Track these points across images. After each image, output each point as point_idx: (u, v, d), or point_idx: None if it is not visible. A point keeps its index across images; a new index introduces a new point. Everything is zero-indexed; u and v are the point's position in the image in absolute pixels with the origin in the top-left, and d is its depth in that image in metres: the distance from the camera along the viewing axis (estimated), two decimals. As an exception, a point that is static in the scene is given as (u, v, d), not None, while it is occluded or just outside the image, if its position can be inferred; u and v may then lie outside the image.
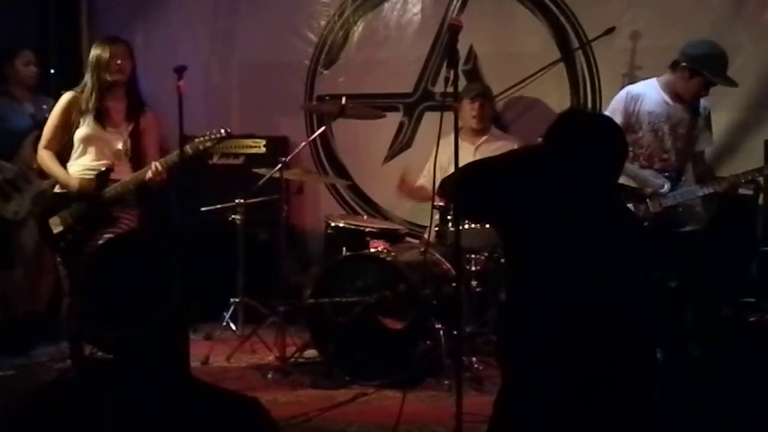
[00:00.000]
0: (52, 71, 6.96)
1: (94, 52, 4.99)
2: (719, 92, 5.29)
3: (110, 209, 4.96)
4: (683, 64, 4.99)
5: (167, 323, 1.98)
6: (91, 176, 4.97)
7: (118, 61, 4.94)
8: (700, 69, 4.93)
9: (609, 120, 3.51)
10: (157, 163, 4.86)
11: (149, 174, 4.86)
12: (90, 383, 2.00)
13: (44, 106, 6.01)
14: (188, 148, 4.89)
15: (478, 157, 5.92)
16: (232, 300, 6.11)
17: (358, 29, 6.88)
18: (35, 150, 5.65)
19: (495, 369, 5.10)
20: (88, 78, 5.00)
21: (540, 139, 5.30)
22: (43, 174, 5.49)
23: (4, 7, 6.88)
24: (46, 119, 5.30)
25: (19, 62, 6.14)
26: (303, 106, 6.76)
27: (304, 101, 6.89)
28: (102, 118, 4.97)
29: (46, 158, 5.05)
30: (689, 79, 4.99)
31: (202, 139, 4.92)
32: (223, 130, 4.94)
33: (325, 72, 6.96)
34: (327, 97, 6.68)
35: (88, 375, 2.06)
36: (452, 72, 4.14)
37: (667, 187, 5.05)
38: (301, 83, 6.97)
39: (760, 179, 5.17)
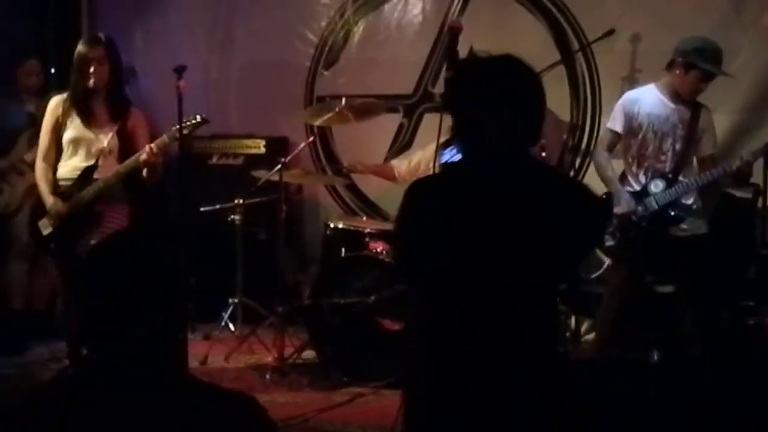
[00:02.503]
0: (52, 71, 6.96)
1: (76, 51, 4.96)
2: (719, 94, 5.30)
3: (94, 208, 4.94)
4: (678, 59, 5.00)
5: (162, 323, 1.98)
6: (70, 183, 4.97)
7: (91, 68, 4.88)
8: (694, 62, 4.94)
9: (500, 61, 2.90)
10: (152, 145, 4.84)
11: (143, 156, 4.83)
12: (87, 382, 2.00)
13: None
14: (166, 138, 4.88)
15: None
16: (230, 300, 6.11)
17: (359, 30, 6.89)
18: (30, 146, 5.68)
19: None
20: (71, 79, 5.00)
21: (539, 142, 5.37)
22: None
23: (4, 7, 6.90)
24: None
25: (22, 73, 6.20)
26: (303, 116, 6.68)
27: (304, 102, 6.89)
28: (87, 118, 4.96)
29: (38, 172, 5.05)
30: (685, 75, 5.00)
31: (178, 127, 4.89)
32: (199, 116, 4.92)
33: (325, 73, 6.96)
34: (327, 98, 6.68)
35: (86, 374, 2.06)
36: (452, 73, 4.15)
37: (657, 186, 5.06)
38: (302, 84, 6.97)
39: (759, 182, 5.16)
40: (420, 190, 2.84)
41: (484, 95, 2.72)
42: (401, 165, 6.07)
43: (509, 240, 2.66)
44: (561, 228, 2.69)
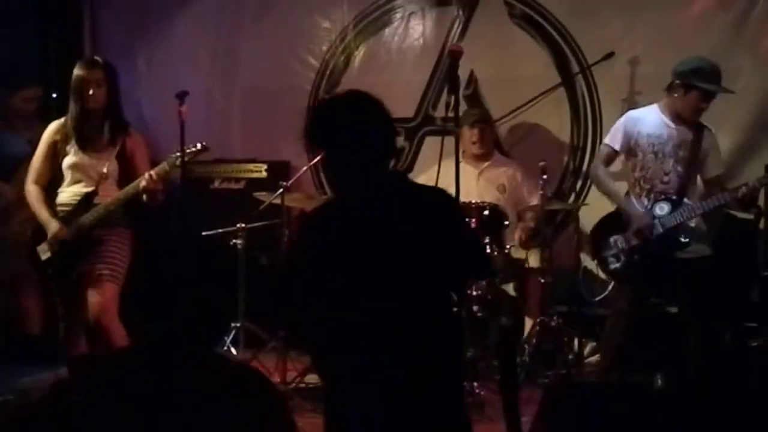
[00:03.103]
0: (54, 95, 6.98)
1: (74, 74, 4.94)
2: (719, 116, 5.30)
3: (94, 232, 4.92)
4: (677, 81, 5.01)
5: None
6: (70, 209, 4.96)
7: (90, 91, 4.88)
8: (693, 82, 4.95)
9: (341, 102, 3.26)
10: (152, 172, 4.84)
11: (143, 183, 4.83)
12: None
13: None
14: (166, 165, 4.88)
15: (481, 181, 5.97)
16: (232, 324, 6.09)
17: (360, 54, 6.91)
18: None
19: (496, 394, 5.09)
20: (70, 102, 4.99)
21: (540, 164, 5.38)
22: None
23: (6, 31, 6.92)
24: None
25: (20, 99, 6.18)
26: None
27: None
28: (85, 143, 4.94)
29: (32, 195, 5.03)
30: (685, 96, 5.00)
31: (177, 154, 4.90)
32: (199, 144, 4.93)
33: (326, 97, 6.97)
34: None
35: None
36: (453, 98, 4.17)
37: (662, 210, 5.04)
38: (303, 108, 6.96)
39: (761, 204, 5.16)
40: (306, 221, 3.23)
41: (339, 132, 3.05)
42: None
43: (390, 254, 2.91)
44: (433, 231, 2.98)
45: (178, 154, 4.90)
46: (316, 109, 3.32)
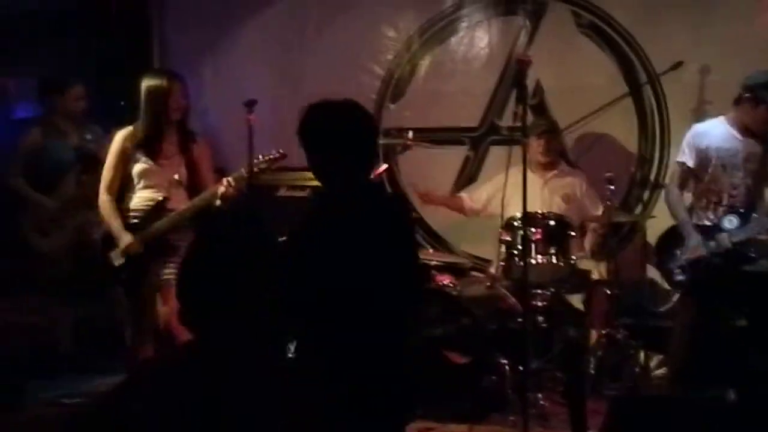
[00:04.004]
0: (122, 103, 7.09)
1: (153, 83, 5.01)
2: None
3: (167, 239, 4.99)
4: (746, 95, 4.96)
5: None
6: (143, 215, 5.03)
7: (178, 101, 4.99)
8: (763, 96, 4.89)
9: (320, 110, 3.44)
10: (229, 179, 4.91)
11: (221, 189, 4.88)
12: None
13: (88, 136, 6.14)
14: (243, 171, 4.94)
15: (546, 191, 5.95)
16: (297, 331, 6.13)
17: (425, 63, 6.92)
18: (78, 184, 5.75)
19: (561, 405, 5.06)
20: (143, 110, 5.04)
21: (607, 175, 5.33)
22: (89, 202, 5.54)
23: (78, 42, 7.06)
24: (90, 151, 5.36)
25: (71, 96, 6.26)
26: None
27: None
28: (156, 151, 5.02)
29: (106, 206, 5.07)
30: (754, 109, 4.95)
31: (256, 161, 4.96)
32: (275, 152, 4.98)
33: (391, 106, 7.00)
34: (394, 131, 6.71)
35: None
36: (521, 107, 4.16)
37: (731, 223, 4.98)
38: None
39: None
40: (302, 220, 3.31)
41: (330, 139, 3.24)
42: (470, 197, 6.07)
43: (371, 258, 3.08)
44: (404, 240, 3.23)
45: (256, 161, 4.95)
46: (310, 111, 3.40)
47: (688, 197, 5.24)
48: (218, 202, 4.94)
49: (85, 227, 5.29)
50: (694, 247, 5.03)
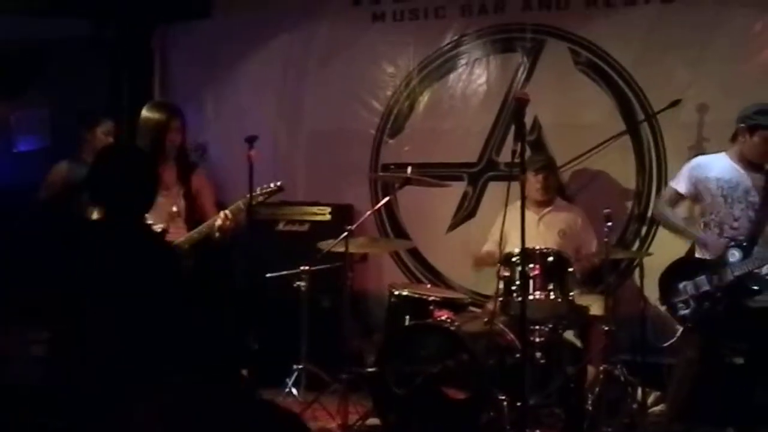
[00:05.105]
0: (124, 137, 7.13)
1: (151, 115, 5.07)
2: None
3: None
4: (741, 125, 5.06)
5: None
6: None
7: (173, 136, 5.05)
8: (757, 122, 4.99)
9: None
10: (227, 211, 4.93)
11: (218, 222, 4.92)
12: None
13: None
14: (241, 204, 4.97)
15: (542, 226, 5.97)
16: (294, 366, 6.13)
17: (424, 99, 6.97)
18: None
19: (559, 442, 5.06)
20: (139, 142, 5.09)
21: (605, 212, 5.36)
22: None
23: (79, 75, 7.11)
24: None
25: (101, 131, 6.36)
26: (370, 175, 6.81)
27: (370, 170, 6.96)
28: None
29: None
30: (750, 138, 5.02)
31: (255, 193, 4.98)
32: (273, 184, 5.00)
33: (390, 141, 7.04)
34: (392, 166, 6.75)
35: None
36: (519, 144, 4.18)
37: (733, 256, 5.00)
38: (367, 152, 7.06)
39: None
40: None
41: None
42: (489, 246, 6.04)
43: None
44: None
45: (255, 193, 4.99)
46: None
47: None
48: (217, 235, 4.97)
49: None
50: (713, 242, 5.07)
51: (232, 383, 2.36)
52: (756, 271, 4.97)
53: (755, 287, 4.96)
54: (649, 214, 6.22)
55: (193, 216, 5.07)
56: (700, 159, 5.29)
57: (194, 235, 4.99)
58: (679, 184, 5.21)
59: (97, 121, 6.43)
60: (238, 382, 2.72)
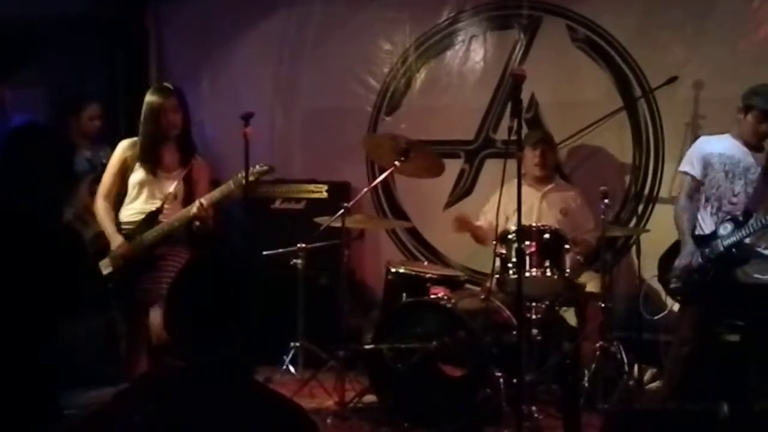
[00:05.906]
0: (121, 120, 7.12)
1: (148, 99, 5.04)
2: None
3: (155, 250, 5.01)
4: (738, 105, 5.08)
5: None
6: (133, 227, 5.05)
7: (169, 117, 5.00)
8: (751, 102, 5.00)
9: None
10: (202, 200, 4.93)
11: (194, 210, 4.92)
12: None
13: (101, 154, 6.15)
14: (231, 183, 4.96)
15: (544, 204, 5.97)
16: (291, 344, 6.14)
17: (421, 76, 6.95)
18: (91, 193, 5.76)
19: (555, 419, 5.07)
20: (141, 126, 5.07)
21: (601, 189, 5.35)
22: None
23: (75, 58, 7.07)
24: (103, 165, 5.38)
25: (85, 116, 6.35)
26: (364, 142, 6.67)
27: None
28: (155, 164, 5.04)
29: (101, 209, 5.11)
30: (746, 117, 5.04)
31: (244, 174, 4.97)
32: (264, 165, 5.00)
33: (387, 118, 7.03)
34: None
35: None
36: (515, 121, 4.17)
37: (725, 229, 5.02)
38: (364, 129, 7.04)
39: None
40: None
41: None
42: (487, 221, 6.00)
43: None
44: None
45: (239, 175, 4.97)
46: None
47: None
48: (196, 224, 4.97)
49: (101, 236, 5.30)
50: (688, 253, 5.06)
51: (245, 379, 2.34)
52: (746, 240, 4.98)
53: (744, 257, 4.98)
54: (646, 192, 6.23)
55: (190, 201, 5.06)
56: (704, 138, 5.33)
57: (174, 221, 4.99)
58: (694, 168, 5.19)
59: (83, 106, 6.40)
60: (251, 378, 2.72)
